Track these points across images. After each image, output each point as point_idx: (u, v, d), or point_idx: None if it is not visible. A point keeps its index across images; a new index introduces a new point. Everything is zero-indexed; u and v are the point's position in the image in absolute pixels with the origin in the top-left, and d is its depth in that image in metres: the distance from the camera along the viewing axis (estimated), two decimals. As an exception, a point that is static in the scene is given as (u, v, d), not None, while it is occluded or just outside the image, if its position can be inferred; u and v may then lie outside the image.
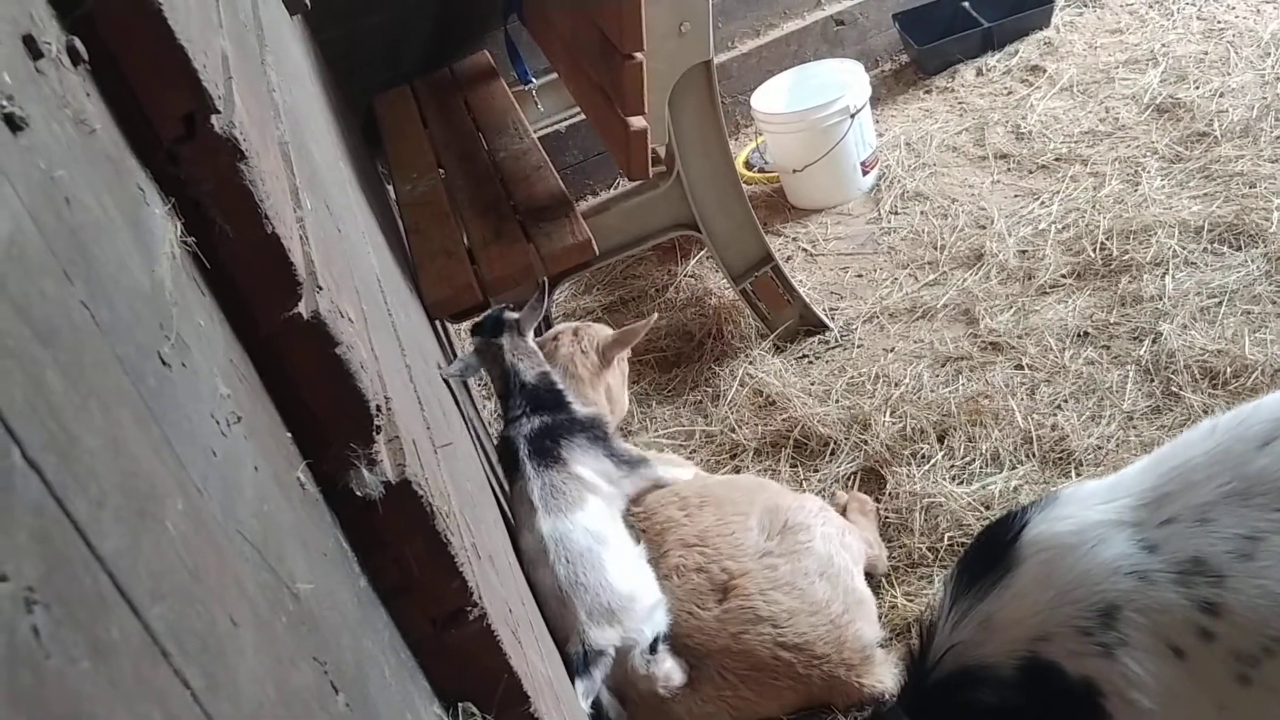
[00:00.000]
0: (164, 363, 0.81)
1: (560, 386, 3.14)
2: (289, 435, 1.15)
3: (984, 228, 4.36)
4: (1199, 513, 1.71)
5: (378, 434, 1.24)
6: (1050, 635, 1.81)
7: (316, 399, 1.18)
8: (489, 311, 3.24)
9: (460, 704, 1.38)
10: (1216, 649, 1.70)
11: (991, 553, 1.90)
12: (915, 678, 2.01)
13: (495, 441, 3.06)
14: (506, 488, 2.98)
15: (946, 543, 3.12)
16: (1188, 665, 1.72)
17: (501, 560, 2.13)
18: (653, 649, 2.70)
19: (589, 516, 2.82)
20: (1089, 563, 1.77)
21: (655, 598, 2.75)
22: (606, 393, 3.42)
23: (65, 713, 0.49)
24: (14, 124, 0.67)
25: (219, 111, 1.05)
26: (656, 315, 3.70)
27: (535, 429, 2.98)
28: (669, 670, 2.71)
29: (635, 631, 2.68)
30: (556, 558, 2.70)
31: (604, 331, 3.51)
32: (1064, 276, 3.95)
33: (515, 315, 3.18)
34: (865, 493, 3.36)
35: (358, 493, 1.21)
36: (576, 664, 2.60)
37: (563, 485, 2.86)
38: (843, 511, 3.20)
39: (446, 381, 2.96)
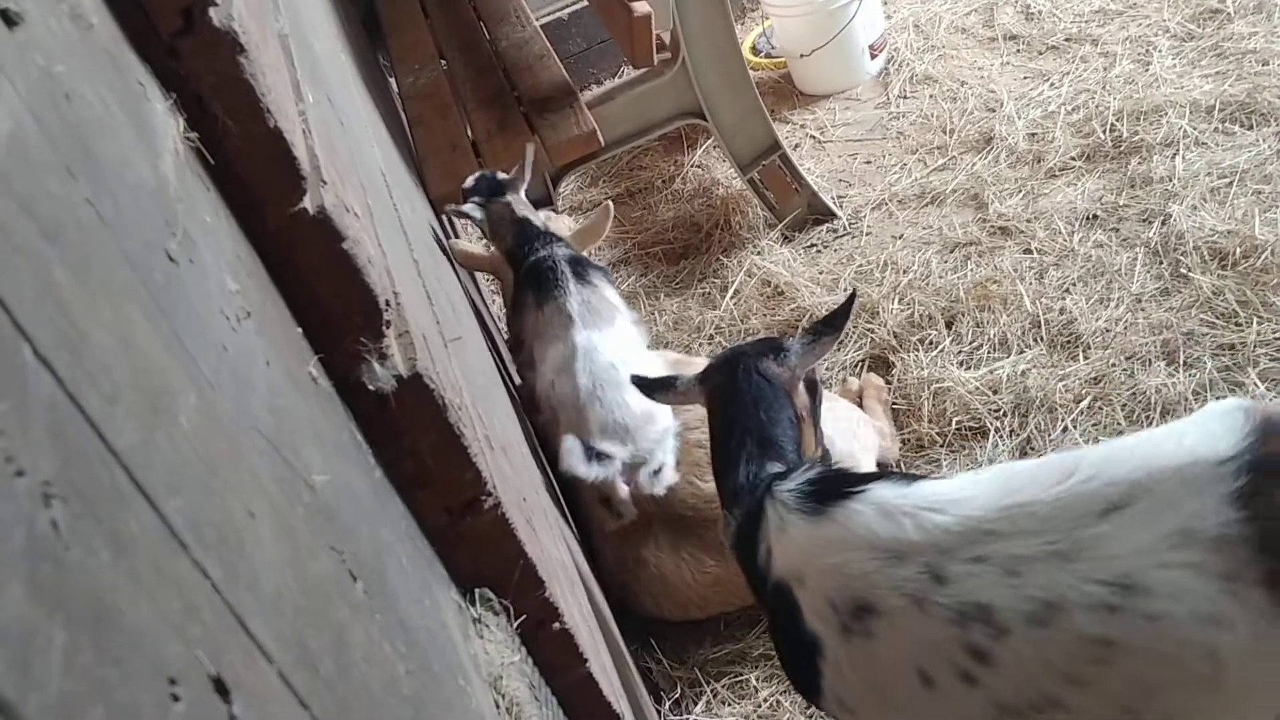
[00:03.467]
0: (171, 259, 0.80)
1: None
2: (299, 330, 1.15)
3: (993, 111, 4.32)
4: (1013, 564, 1.65)
5: (388, 328, 1.25)
6: (808, 585, 1.82)
7: (325, 294, 1.19)
8: (477, 175, 3.27)
9: (477, 589, 1.41)
10: (975, 694, 1.68)
11: (837, 485, 1.87)
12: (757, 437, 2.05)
13: (523, 273, 3.13)
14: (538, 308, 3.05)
15: (954, 427, 3.14)
16: (933, 694, 1.72)
17: (515, 450, 2.15)
18: (658, 472, 2.78)
19: (617, 335, 2.94)
20: (876, 569, 1.74)
21: (669, 422, 2.82)
22: None
23: (87, 603, 0.50)
24: (10, 19, 0.66)
25: (217, 4, 1.04)
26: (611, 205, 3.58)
27: (569, 254, 3.09)
28: (668, 484, 2.79)
29: (645, 451, 2.77)
30: (581, 368, 2.82)
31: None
32: (1073, 159, 3.92)
33: (506, 176, 3.24)
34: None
35: (370, 387, 1.22)
36: (586, 451, 2.72)
37: (597, 303, 2.99)
38: (858, 398, 3.21)
39: (456, 275, 2.97)
